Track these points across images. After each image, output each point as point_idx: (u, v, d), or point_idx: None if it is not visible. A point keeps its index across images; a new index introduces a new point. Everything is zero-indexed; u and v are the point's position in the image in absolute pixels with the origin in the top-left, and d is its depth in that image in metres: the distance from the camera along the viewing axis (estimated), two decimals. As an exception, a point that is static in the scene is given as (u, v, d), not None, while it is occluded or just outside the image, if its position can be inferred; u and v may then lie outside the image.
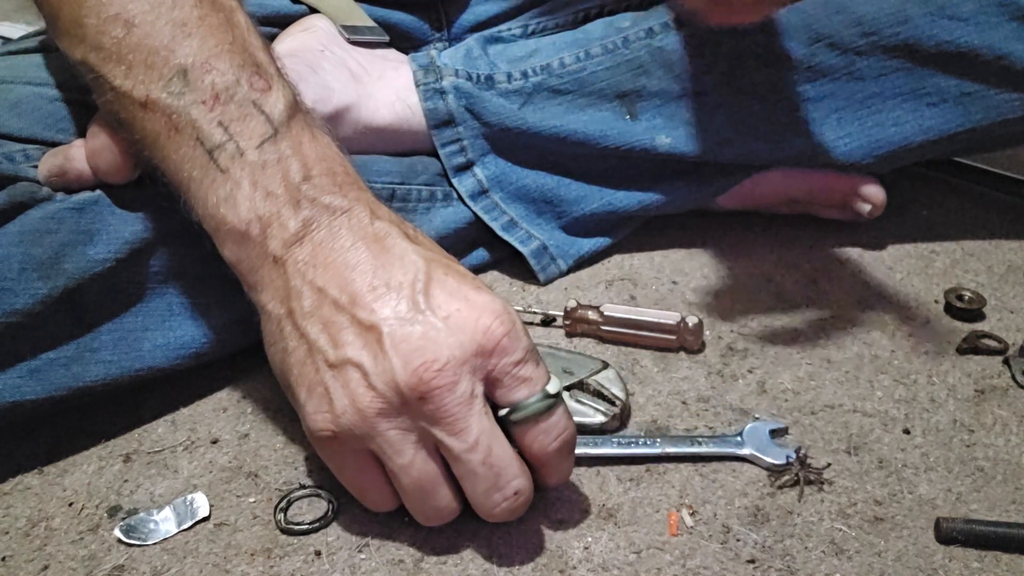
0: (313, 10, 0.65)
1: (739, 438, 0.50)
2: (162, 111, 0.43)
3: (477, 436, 0.40)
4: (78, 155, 0.49)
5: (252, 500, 0.47)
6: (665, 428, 0.52)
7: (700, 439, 0.50)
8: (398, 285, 0.41)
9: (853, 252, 0.68)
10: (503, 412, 0.41)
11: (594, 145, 0.64)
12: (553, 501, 0.47)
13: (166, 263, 0.52)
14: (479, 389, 0.40)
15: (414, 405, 0.40)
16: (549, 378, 0.42)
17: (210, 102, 0.43)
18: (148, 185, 0.52)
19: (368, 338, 0.40)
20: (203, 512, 0.46)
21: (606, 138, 0.64)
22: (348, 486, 0.44)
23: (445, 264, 0.42)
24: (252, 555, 0.44)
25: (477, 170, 0.64)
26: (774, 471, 0.48)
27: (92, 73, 0.45)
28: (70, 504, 0.47)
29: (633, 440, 0.49)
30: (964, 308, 0.61)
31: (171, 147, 0.43)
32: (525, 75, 0.63)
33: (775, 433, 0.50)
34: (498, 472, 0.41)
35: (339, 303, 0.41)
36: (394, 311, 0.40)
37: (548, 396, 0.41)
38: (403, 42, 0.68)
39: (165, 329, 0.52)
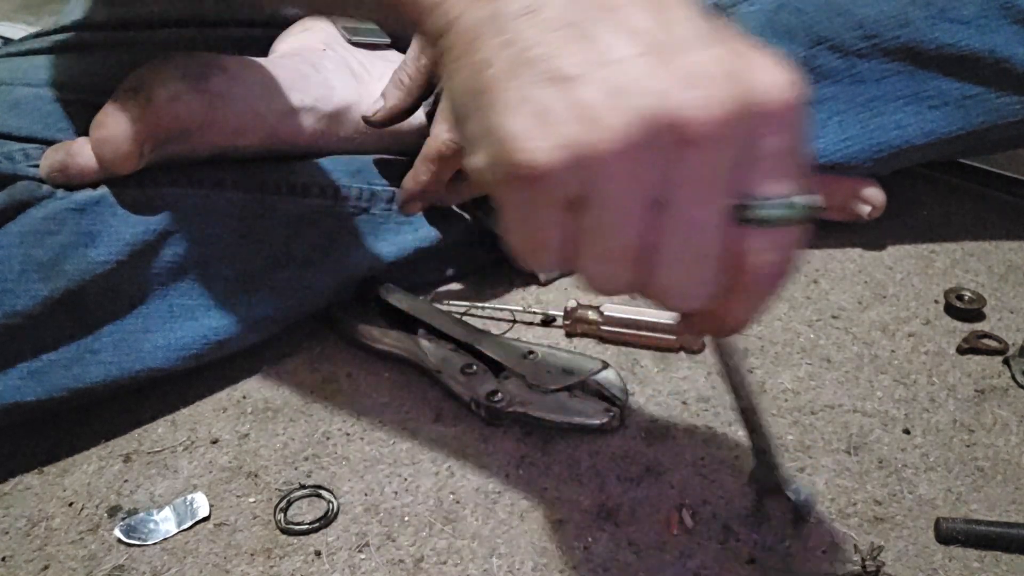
0: (313, 11, 0.65)
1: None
2: None
3: (720, 217, 0.30)
4: (80, 151, 0.49)
5: (252, 500, 0.47)
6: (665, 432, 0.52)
7: None
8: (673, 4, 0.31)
9: (853, 252, 0.68)
10: (745, 202, 0.30)
11: None
12: (553, 501, 0.47)
13: (166, 265, 0.52)
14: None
15: (670, 151, 0.29)
16: None
17: None
18: (149, 185, 0.52)
19: (626, 48, 0.29)
20: (203, 512, 0.46)
21: None
22: (518, 241, 0.33)
23: None
24: (252, 555, 0.44)
25: None
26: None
27: None
28: (70, 504, 0.47)
29: None
30: (964, 308, 0.61)
31: None
32: None
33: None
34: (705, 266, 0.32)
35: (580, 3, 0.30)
36: (665, 25, 0.29)
37: (805, 205, 0.31)
38: (402, 43, 0.68)
39: (165, 331, 0.52)
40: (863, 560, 0.44)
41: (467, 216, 0.64)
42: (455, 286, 0.65)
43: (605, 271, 0.32)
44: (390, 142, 0.63)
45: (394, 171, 0.62)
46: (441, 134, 0.56)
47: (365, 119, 0.59)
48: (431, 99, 0.60)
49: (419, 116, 0.61)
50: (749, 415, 0.40)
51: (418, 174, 0.58)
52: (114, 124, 0.48)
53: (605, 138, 0.28)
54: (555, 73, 0.29)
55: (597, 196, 0.30)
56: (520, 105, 0.29)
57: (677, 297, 0.32)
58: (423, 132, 0.60)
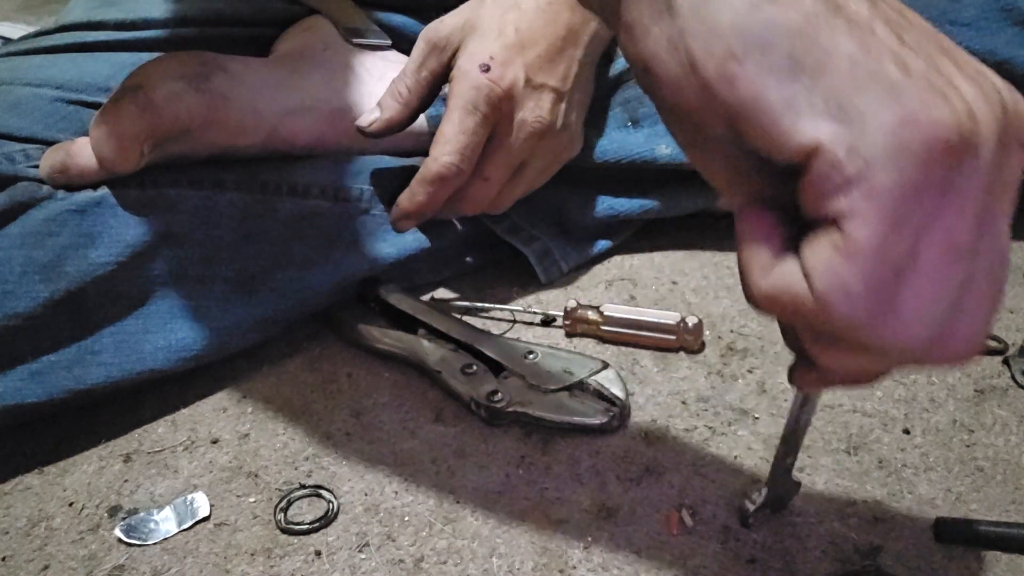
0: (314, 12, 0.66)
1: None
2: None
3: None
4: (80, 151, 0.49)
5: (252, 500, 0.47)
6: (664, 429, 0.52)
7: None
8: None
9: (853, 252, 0.68)
10: None
11: (595, 156, 0.64)
12: (553, 501, 0.47)
13: (167, 266, 0.53)
14: None
15: (1015, 155, 0.27)
16: None
17: None
18: (149, 185, 0.52)
19: (947, 53, 0.27)
20: (203, 512, 0.46)
21: (605, 152, 0.64)
22: (878, 257, 0.26)
23: None
24: (252, 555, 0.44)
25: None
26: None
27: None
28: (70, 504, 0.47)
29: None
30: (964, 308, 0.60)
31: None
32: None
33: None
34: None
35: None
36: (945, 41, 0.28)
37: None
38: (403, 44, 0.68)
39: (166, 332, 0.52)
40: (862, 560, 0.44)
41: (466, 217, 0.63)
42: (455, 286, 0.65)
43: (930, 308, 0.27)
44: (391, 144, 0.63)
45: (393, 174, 0.61)
46: (442, 156, 0.54)
47: (360, 129, 0.58)
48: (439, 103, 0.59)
49: (420, 121, 0.61)
50: (801, 433, 0.43)
51: (414, 195, 0.56)
52: (114, 124, 0.48)
53: (983, 126, 0.26)
54: (905, 62, 0.26)
55: (959, 192, 0.26)
56: (910, 73, 0.26)
57: (971, 340, 0.28)
58: (423, 137, 0.60)
